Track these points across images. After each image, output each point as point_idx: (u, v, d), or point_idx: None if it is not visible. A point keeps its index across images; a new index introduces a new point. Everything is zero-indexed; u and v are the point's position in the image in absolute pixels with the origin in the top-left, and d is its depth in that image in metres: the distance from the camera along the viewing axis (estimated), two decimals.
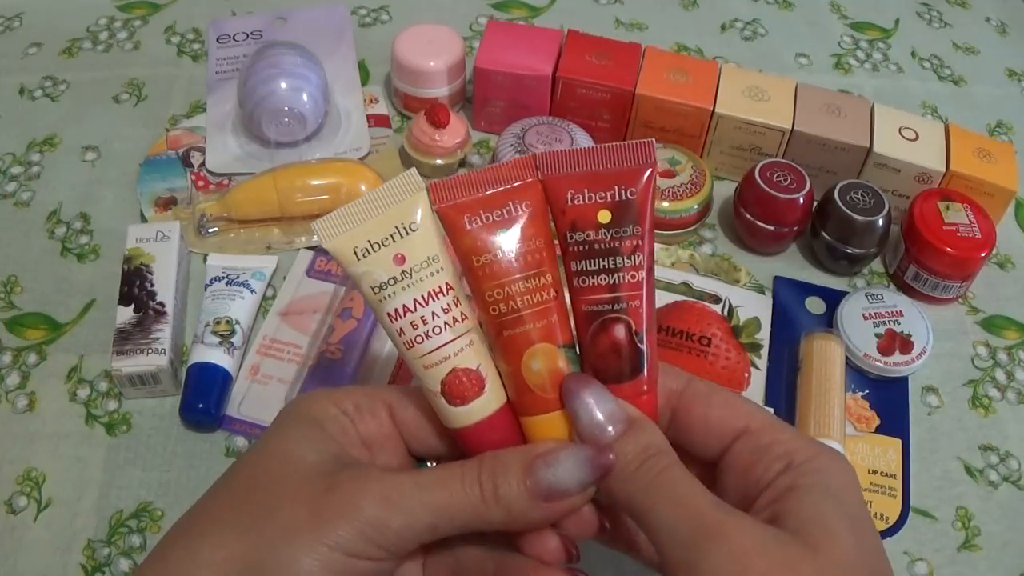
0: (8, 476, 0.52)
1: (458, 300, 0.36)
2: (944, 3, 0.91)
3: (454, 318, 0.35)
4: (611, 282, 0.36)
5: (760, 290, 0.63)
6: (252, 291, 0.59)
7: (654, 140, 0.36)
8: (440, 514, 0.33)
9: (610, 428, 0.34)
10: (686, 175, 0.65)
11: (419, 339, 0.35)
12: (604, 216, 0.35)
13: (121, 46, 0.78)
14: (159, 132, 0.70)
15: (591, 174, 0.36)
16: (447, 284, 0.36)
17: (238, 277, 0.59)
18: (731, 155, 0.70)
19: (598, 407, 0.35)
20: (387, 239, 0.35)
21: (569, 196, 0.36)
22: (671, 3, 0.86)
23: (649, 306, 0.36)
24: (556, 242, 0.36)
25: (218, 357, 0.55)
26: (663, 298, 0.60)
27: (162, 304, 0.56)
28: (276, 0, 0.81)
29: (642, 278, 0.36)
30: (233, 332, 0.56)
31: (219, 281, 0.59)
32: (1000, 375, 0.62)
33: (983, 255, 0.62)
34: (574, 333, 0.36)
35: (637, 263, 0.36)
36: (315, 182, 0.63)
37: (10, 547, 0.50)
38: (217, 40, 0.77)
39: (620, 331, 0.35)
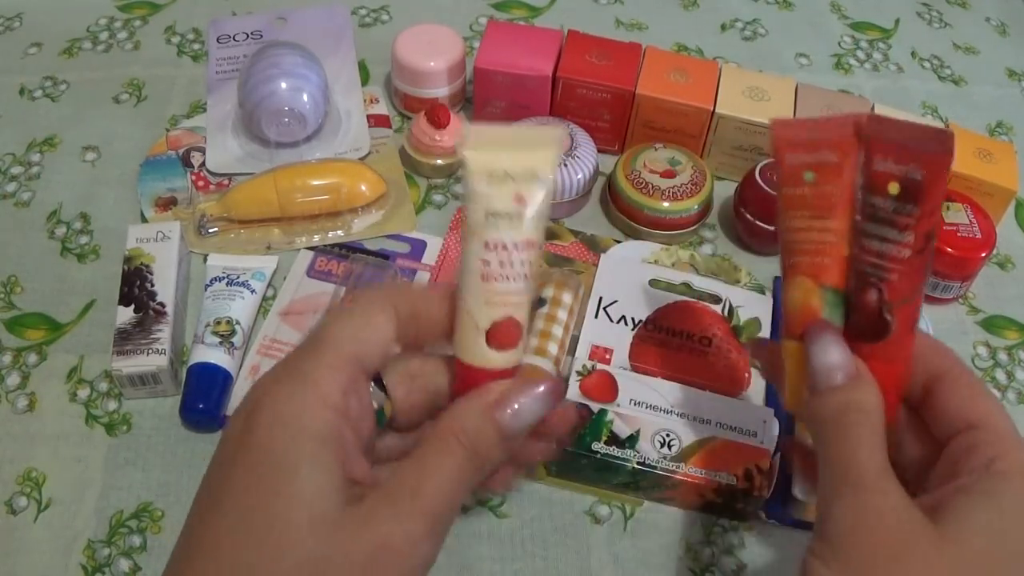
0: (8, 476, 0.52)
1: (538, 261, 0.37)
2: (944, 3, 0.91)
3: (528, 274, 0.37)
4: (880, 250, 0.38)
5: (760, 290, 0.63)
6: (252, 291, 0.59)
7: (954, 133, 0.38)
8: (447, 505, 0.34)
9: (838, 374, 0.37)
10: (686, 175, 0.65)
11: (498, 277, 0.36)
12: (893, 188, 0.38)
13: (121, 46, 0.78)
14: (159, 132, 0.70)
15: (899, 145, 0.38)
16: (539, 242, 0.37)
17: (238, 277, 0.59)
18: (731, 155, 0.70)
19: (831, 353, 0.38)
20: (519, 176, 0.36)
21: (877, 161, 0.38)
22: (671, 3, 0.86)
23: (909, 284, 0.38)
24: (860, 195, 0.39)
25: (218, 357, 0.55)
26: (664, 298, 0.60)
27: (162, 304, 0.56)
28: (276, 0, 0.81)
29: (906, 256, 0.38)
30: (233, 332, 0.56)
31: (219, 281, 0.59)
32: (1000, 375, 0.62)
33: (983, 255, 0.62)
34: (846, 280, 0.39)
35: (905, 241, 0.38)
36: (315, 182, 0.63)
37: (10, 547, 0.50)
38: (217, 40, 0.77)
39: (872, 295, 0.39)
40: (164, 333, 0.55)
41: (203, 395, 0.54)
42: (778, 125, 0.42)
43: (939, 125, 0.68)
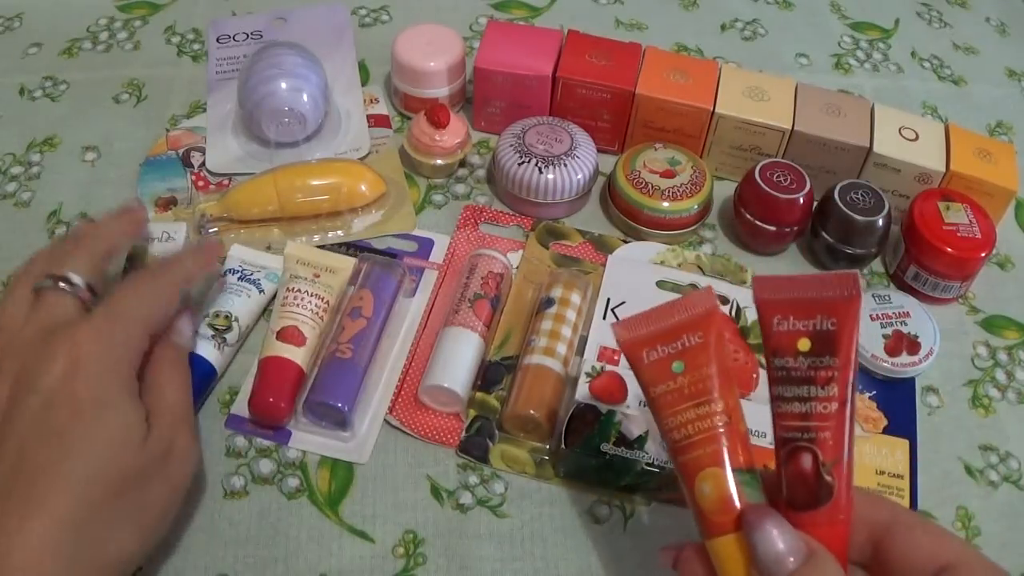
0: None
1: None
2: (944, 3, 0.91)
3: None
4: (803, 411, 0.36)
5: None
6: (261, 291, 0.59)
7: (859, 273, 0.37)
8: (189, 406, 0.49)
9: (790, 559, 0.35)
10: (686, 175, 0.65)
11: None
12: (804, 344, 0.36)
13: (121, 46, 0.78)
14: (159, 132, 0.70)
15: (797, 301, 0.37)
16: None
17: (251, 274, 0.59)
18: (731, 155, 0.70)
19: (778, 539, 0.35)
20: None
21: (775, 321, 0.37)
22: (671, 3, 0.86)
23: (840, 438, 0.36)
24: (764, 369, 0.38)
25: (207, 351, 0.55)
26: (670, 299, 0.59)
27: None
28: (276, 0, 0.81)
29: (834, 410, 0.36)
30: (229, 328, 0.56)
31: (233, 274, 0.59)
32: (1000, 375, 0.62)
33: (983, 255, 0.62)
34: (752, 458, 0.37)
35: (830, 394, 0.36)
36: (315, 182, 0.63)
37: None
38: (217, 40, 0.77)
39: (806, 460, 0.36)
40: None
41: None
42: (622, 328, 0.40)
43: (938, 122, 0.68)
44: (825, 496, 0.36)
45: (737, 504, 0.37)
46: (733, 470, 0.37)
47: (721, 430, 0.37)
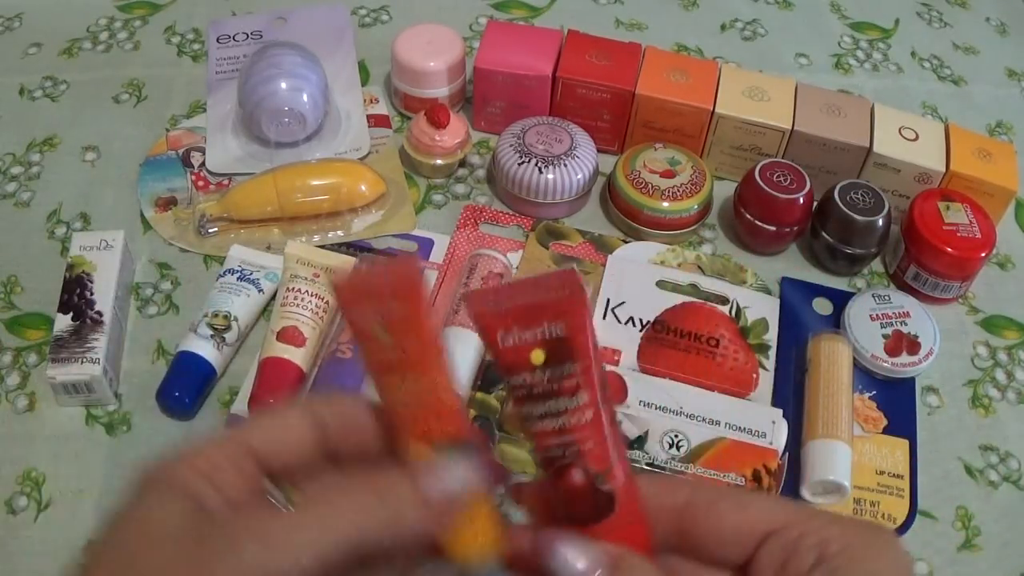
0: (8, 476, 0.52)
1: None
2: (944, 3, 0.91)
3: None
4: (557, 426, 0.33)
5: (766, 291, 0.63)
6: (260, 291, 0.59)
7: (576, 268, 0.34)
8: (331, 533, 0.30)
9: (597, 573, 0.32)
10: (686, 175, 0.65)
11: None
12: (538, 356, 0.33)
13: (121, 46, 0.78)
14: (159, 132, 0.70)
15: (515, 309, 0.33)
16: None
17: (251, 274, 0.59)
18: (731, 155, 0.70)
19: (575, 559, 0.32)
20: None
21: (500, 337, 0.33)
22: (671, 3, 0.86)
23: (606, 441, 0.33)
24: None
25: (206, 350, 0.55)
26: (671, 299, 0.60)
27: (100, 313, 0.55)
28: (276, 0, 0.81)
29: (589, 417, 0.33)
30: (228, 328, 0.56)
31: (232, 274, 0.59)
32: (1000, 375, 0.62)
33: (983, 255, 0.62)
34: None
35: (581, 403, 0.33)
36: (315, 182, 0.63)
37: (10, 547, 0.50)
38: (217, 40, 0.77)
39: (577, 476, 0.33)
40: (100, 342, 0.54)
41: (181, 384, 0.54)
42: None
43: (938, 122, 0.68)
44: (606, 505, 0.33)
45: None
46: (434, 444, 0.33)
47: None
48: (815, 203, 0.65)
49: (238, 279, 0.59)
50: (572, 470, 0.33)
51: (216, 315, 0.56)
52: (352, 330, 0.34)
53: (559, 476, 0.33)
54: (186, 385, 0.54)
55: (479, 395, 0.55)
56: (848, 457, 0.53)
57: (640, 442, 0.52)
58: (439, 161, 0.67)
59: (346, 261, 0.60)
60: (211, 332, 0.55)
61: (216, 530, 0.29)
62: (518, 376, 0.33)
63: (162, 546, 0.29)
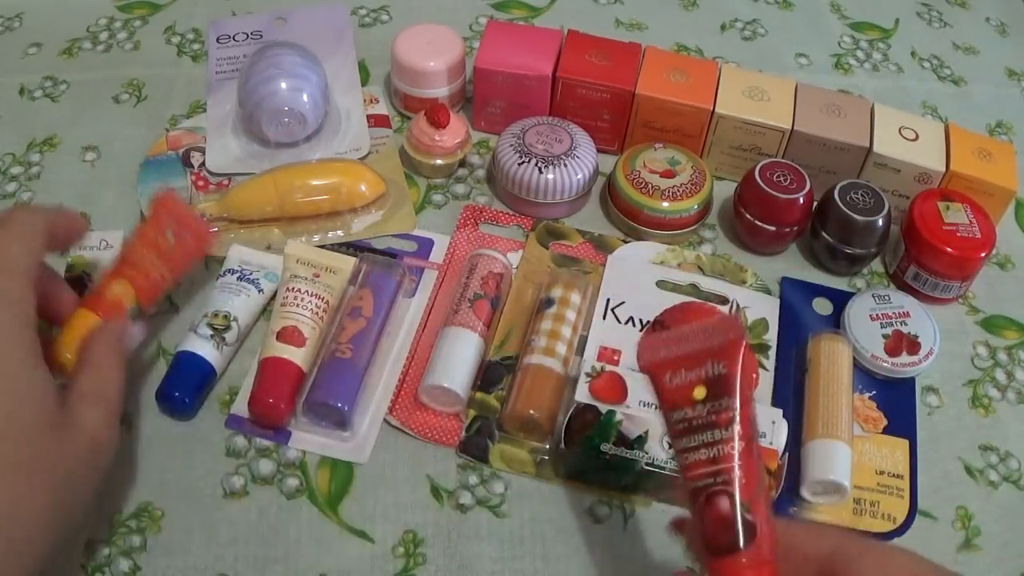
0: None
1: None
2: (944, 3, 0.91)
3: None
4: (711, 455, 0.36)
5: (766, 291, 0.63)
6: (260, 291, 0.59)
7: (740, 316, 0.37)
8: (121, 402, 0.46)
9: None
10: (686, 175, 0.65)
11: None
12: (699, 392, 0.37)
13: (121, 46, 0.78)
14: (159, 132, 0.70)
15: (684, 356, 0.37)
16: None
17: (251, 274, 0.59)
18: (731, 155, 0.70)
19: None
20: None
21: (667, 378, 0.37)
22: (671, 3, 0.86)
23: (753, 475, 0.36)
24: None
25: (206, 350, 0.55)
26: (671, 299, 0.60)
27: None
28: (276, 0, 0.81)
29: (741, 448, 0.36)
30: (228, 328, 0.56)
31: (232, 274, 0.59)
32: (1000, 375, 0.62)
33: (983, 255, 0.62)
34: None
35: (734, 434, 0.36)
36: (315, 182, 0.63)
37: None
38: (217, 40, 0.77)
39: (724, 504, 0.36)
40: None
41: (181, 385, 0.54)
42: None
43: (938, 122, 0.68)
44: (748, 536, 0.35)
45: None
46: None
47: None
48: (815, 203, 0.65)
49: (238, 279, 0.59)
50: (720, 498, 0.36)
51: (216, 315, 0.56)
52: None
53: (708, 503, 0.36)
54: (186, 385, 0.54)
55: (479, 395, 0.55)
56: (848, 457, 0.53)
57: (640, 442, 0.52)
58: (439, 161, 0.67)
59: (346, 261, 0.60)
60: (211, 332, 0.55)
61: (68, 418, 0.43)
62: (680, 411, 0.37)
63: (37, 426, 0.41)
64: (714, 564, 0.35)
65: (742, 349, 0.37)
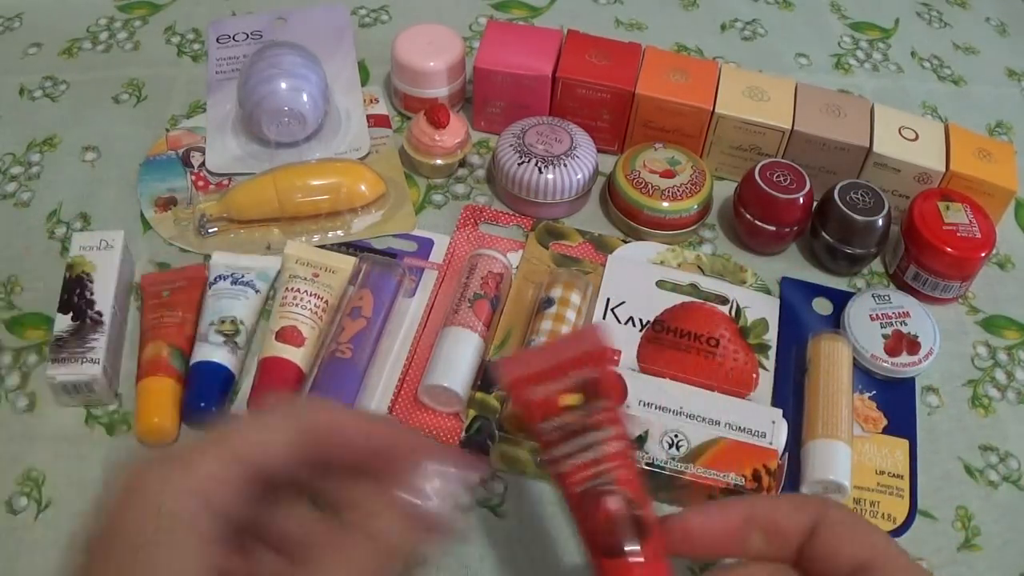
0: (8, 476, 0.52)
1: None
2: (944, 3, 0.91)
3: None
4: (594, 457, 0.36)
5: (766, 291, 0.63)
6: (256, 291, 0.59)
7: (601, 326, 0.38)
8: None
9: None
10: (686, 175, 0.65)
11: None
12: (573, 399, 0.37)
13: (121, 46, 0.78)
14: (159, 132, 0.70)
15: (550, 369, 0.37)
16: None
17: (243, 277, 0.59)
18: (731, 155, 0.70)
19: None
20: None
21: (532, 391, 0.37)
22: (671, 3, 0.86)
23: (636, 472, 0.36)
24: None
25: (222, 356, 0.55)
26: (671, 299, 0.60)
27: (100, 314, 0.55)
28: (276, 0, 0.81)
29: (622, 446, 0.36)
30: (238, 332, 0.56)
31: (223, 280, 0.59)
32: (1000, 375, 0.62)
33: (983, 255, 0.62)
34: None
35: (613, 434, 0.36)
36: (315, 182, 0.63)
37: (10, 547, 0.50)
38: (217, 40, 0.77)
39: (612, 502, 0.35)
40: (99, 343, 0.54)
41: (205, 395, 0.54)
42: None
43: (938, 122, 0.68)
44: (641, 532, 0.35)
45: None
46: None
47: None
48: (815, 203, 0.65)
49: (232, 283, 0.59)
50: (608, 497, 0.35)
51: (223, 321, 0.56)
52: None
53: (596, 505, 0.35)
54: (209, 395, 0.54)
55: (479, 395, 0.55)
56: (848, 457, 0.53)
57: (640, 442, 0.52)
58: (439, 161, 0.67)
59: (346, 261, 0.60)
60: (223, 339, 0.55)
61: None
62: (556, 419, 0.36)
63: None
64: (608, 564, 0.34)
65: (609, 353, 0.37)
